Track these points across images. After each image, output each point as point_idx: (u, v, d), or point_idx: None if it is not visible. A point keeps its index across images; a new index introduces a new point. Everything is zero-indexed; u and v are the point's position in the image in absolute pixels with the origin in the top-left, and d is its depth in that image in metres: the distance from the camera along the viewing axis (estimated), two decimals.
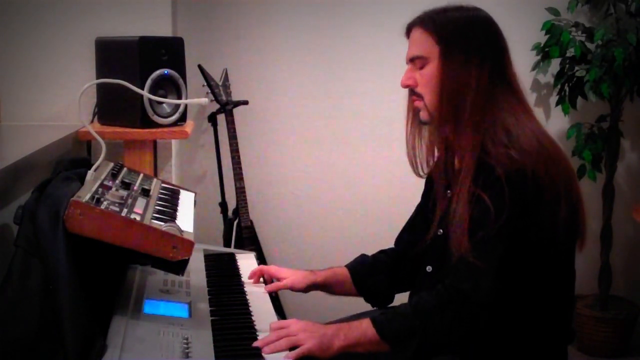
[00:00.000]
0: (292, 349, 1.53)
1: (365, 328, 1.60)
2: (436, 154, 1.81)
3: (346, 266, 1.97)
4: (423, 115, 1.74)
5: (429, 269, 1.78)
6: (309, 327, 1.59)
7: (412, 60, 1.75)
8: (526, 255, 1.59)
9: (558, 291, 1.69)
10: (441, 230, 1.74)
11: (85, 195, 1.44)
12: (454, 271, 1.62)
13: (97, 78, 2.59)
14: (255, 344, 1.51)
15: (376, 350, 1.60)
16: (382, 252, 2.00)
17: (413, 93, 1.75)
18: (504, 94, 1.69)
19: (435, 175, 1.83)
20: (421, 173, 1.85)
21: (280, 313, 1.70)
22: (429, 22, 1.73)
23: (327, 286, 1.93)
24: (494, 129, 1.64)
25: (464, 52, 1.68)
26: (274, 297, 2.12)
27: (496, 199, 1.57)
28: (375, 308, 1.97)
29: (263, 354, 1.49)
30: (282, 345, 1.52)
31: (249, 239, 3.31)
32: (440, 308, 1.59)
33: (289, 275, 1.91)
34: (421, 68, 1.72)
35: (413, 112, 1.79)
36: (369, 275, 1.94)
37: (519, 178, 1.56)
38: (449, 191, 1.74)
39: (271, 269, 1.96)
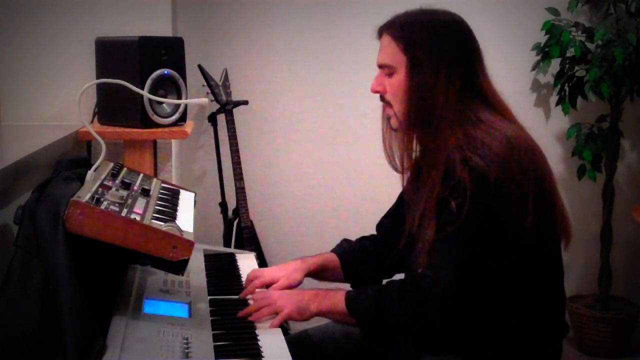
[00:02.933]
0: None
1: (337, 300, 1.69)
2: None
3: (334, 252, 1.96)
4: (393, 122, 1.75)
5: (420, 270, 1.78)
6: (286, 294, 1.73)
7: (380, 66, 1.75)
8: (493, 256, 1.59)
9: (544, 286, 1.69)
10: (422, 230, 1.71)
11: (85, 195, 1.44)
12: (419, 266, 1.65)
13: (97, 78, 2.59)
14: (240, 314, 1.65)
15: (345, 322, 1.72)
16: (365, 238, 2.00)
17: (383, 99, 1.76)
18: (475, 103, 1.67)
19: (406, 183, 1.83)
20: (399, 169, 1.84)
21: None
22: (396, 29, 1.71)
23: (318, 273, 1.93)
24: (461, 138, 1.62)
25: (431, 63, 1.65)
26: None
27: (458, 200, 1.58)
28: None
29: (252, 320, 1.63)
30: (264, 313, 1.66)
31: (249, 239, 3.31)
32: (399, 298, 1.63)
33: (283, 274, 1.86)
34: (389, 75, 1.72)
35: (385, 116, 1.79)
36: (358, 263, 1.94)
37: (480, 184, 1.56)
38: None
39: (266, 276, 1.86)
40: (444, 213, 1.61)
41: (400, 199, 1.96)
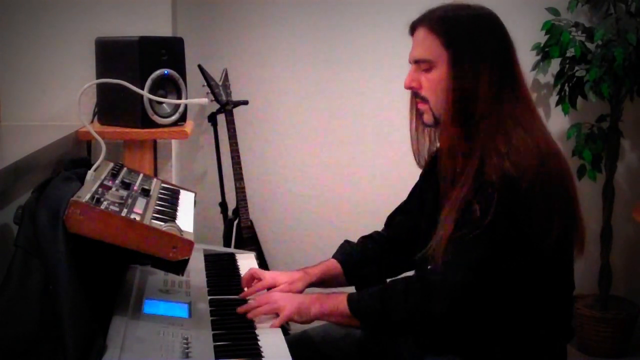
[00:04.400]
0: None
1: (339, 301, 1.68)
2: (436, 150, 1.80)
3: (336, 258, 1.95)
4: (427, 118, 1.72)
5: (430, 268, 1.77)
6: (288, 295, 1.72)
7: (416, 62, 1.71)
8: (510, 263, 1.58)
9: (554, 292, 1.68)
10: (441, 229, 1.72)
11: (85, 195, 1.44)
12: (430, 264, 1.63)
13: (97, 78, 2.59)
14: (239, 310, 1.65)
15: (348, 324, 1.69)
16: (367, 238, 1.99)
17: (417, 95, 1.73)
18: (510, 99, 1.66)
19: (440, 177, 1.80)
20: (422, 163, 1.85)
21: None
22: (436, 22, 1.67)
23: (321, 283, 1.93)
24: (495, 138, 1.61)
25: (474, 58, 1.63)
26: None
27: (483, 204, 1.56)
28: None
29: (248, 317, 1.63)
30: (263, 310, 1.65)
31: (249, 239, 3.31)
32: (405, 294, 1.62)
33: (284, 280, 1.85)
34: (426, 70, 1.68)
35: (417, 111, 1.77)
36: (360, 267, 1.93)
37: (510, 191, 1.55)
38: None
39: (268, 280, 1.85)
40: (466, 214, 1.59)
41: (412, 194, 1.95)
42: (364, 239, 2.00)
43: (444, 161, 1.73)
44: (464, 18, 1.68)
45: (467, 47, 1.64)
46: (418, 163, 1.84)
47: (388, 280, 1.87)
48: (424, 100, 1.70)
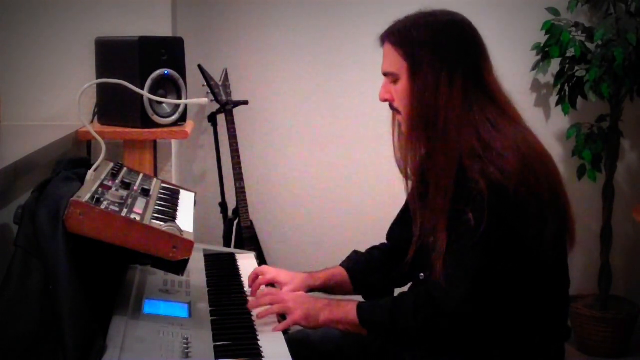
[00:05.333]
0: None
1: (349, 310, 1.68)
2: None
3: (342, 266, 1.95)
4: (404, 128, 1.74)
5: (421, 276, 1.78)
6: (299, 298, 1.72)
7: (385, 75, 1.74)
8: (509, 268, 1.58)
9: (551, 291, 1.69)
10: (432, 238, 1.71)
11: (85, 195, 1.44)
12: (433, 277, 1.64)
13: (97, 78, 2.59)
14: (248, 305, 1.68)
15: (356, 333, 1.69)
16: (375, 248, 1.99)
17: (392, 107, 1.75)
18: (481, 103, 1.65)
19: (411, 191, 1.82)
20: (409, 175, 1.85)
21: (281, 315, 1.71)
22: (396, 35, 1.70)
23: (325, 289, 1.93)
24: (471, 143, 1.61)
25: (431, 66, 1.64)
26: None
27: (476, 213, 1.56)
28: None
29: (253, 314, 1.66)
30: (273, 310, 1.66)
31: (249, 239, 3.31)
32: (415, 310, 1.62)
33: (288, 280, 1.87)
34: (394, 83, 1.71)
35: (398, 123, 1.78)
36: (366, 274, 1.93)
37: (499, 198, 1.55)
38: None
39: (270, 274, 1.89)
40: (459, 224, 1.59)
41: (408, 203, 1.96)
42: (371, 249, 2.00)
43: (407, 170, 1.75)
44: (423, 26, 1.69)
45: (423, 55, 1.66)
46: (403, 174, 1.82)
47: (396, 291, 1.87)
48: (398, 111, 1.73)
